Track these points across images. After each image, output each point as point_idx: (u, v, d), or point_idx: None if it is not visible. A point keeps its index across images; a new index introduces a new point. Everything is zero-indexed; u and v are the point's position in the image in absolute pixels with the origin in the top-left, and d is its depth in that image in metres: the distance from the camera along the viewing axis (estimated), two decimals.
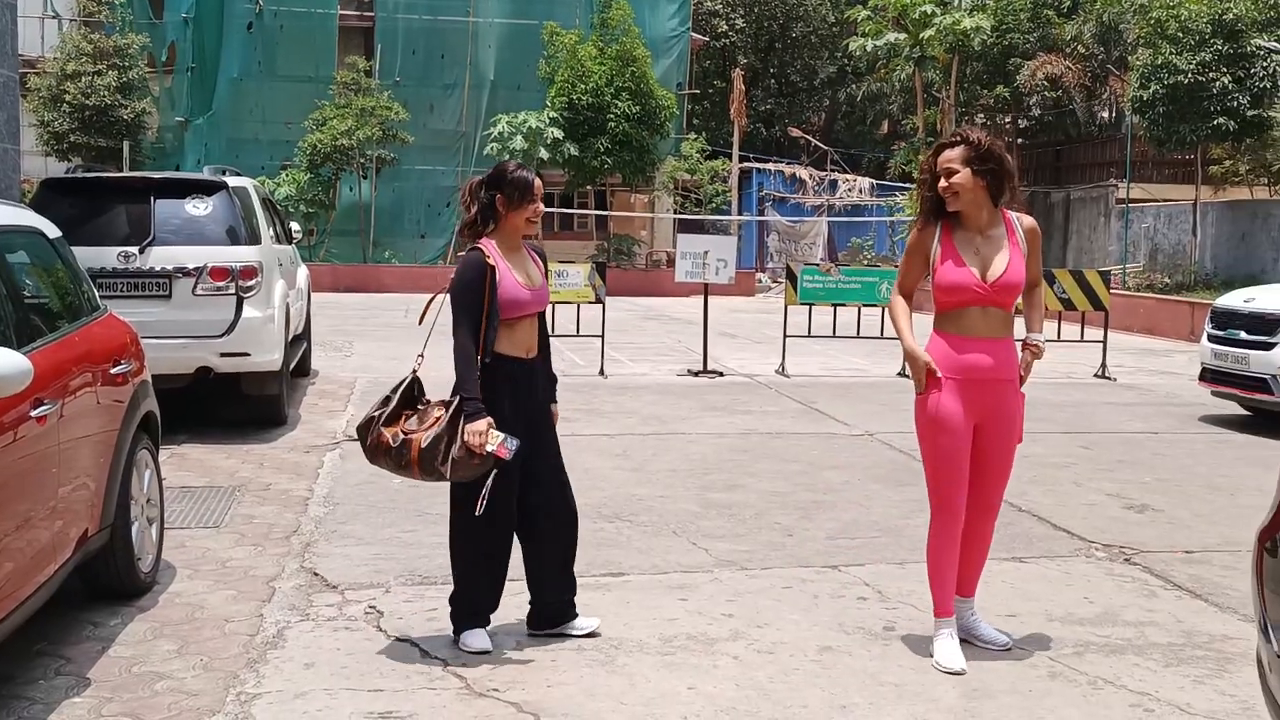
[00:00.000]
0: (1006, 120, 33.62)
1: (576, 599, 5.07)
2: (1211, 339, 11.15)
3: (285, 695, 4.29)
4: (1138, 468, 8.91)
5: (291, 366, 10.67)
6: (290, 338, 10.39)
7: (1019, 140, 33.64)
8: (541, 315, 4.89)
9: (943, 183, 4.72)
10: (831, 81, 46.60)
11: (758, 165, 37.21)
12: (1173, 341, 19.37)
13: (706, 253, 14.05)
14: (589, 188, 33.50)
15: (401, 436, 4.58)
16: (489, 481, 4.59)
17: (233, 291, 9.01)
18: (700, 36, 39.13)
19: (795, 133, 41.49)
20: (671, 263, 22.23)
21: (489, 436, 4.49)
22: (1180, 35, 21.87)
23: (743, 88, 34.16)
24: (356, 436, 4.85)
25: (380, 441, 4.62)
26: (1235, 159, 25.03)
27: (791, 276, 14.53)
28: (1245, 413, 11.16)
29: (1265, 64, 21.52)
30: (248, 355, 9.09)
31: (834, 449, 9.40)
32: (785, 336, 14.37)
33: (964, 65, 30.83)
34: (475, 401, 4.55)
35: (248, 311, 9.06)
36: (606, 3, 31.22)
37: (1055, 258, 29.03)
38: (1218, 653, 4.96)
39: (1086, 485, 8.19)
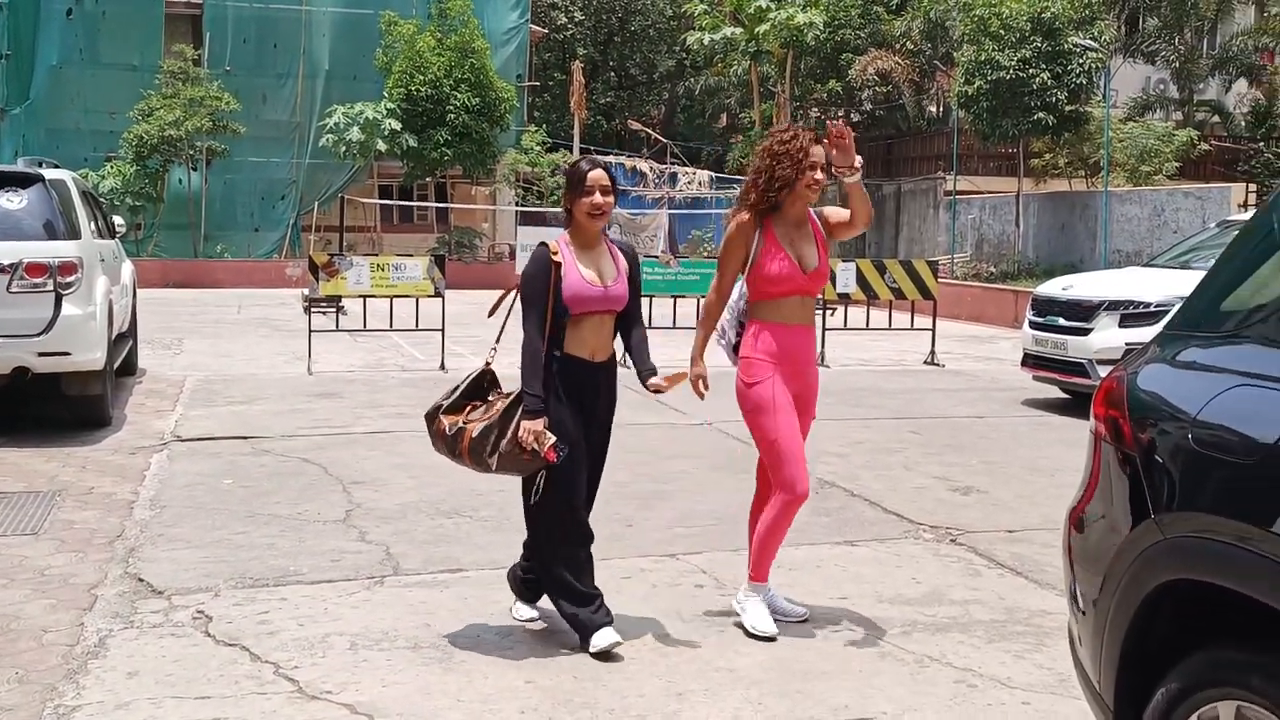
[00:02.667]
0: (839, 114, 34.31)
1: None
2: (1032, 325, 11.60)
3: (106, 706, 4.14)
4: (964, 451, 9.21)
5: (116, 365, 10.29)
6: (114, 336, 10.02)
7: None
8: (627, 315, 4.77)
9: (818, 175, 4.88)
10: (670, 75, 46.97)
11: (597, 157, 37.22)
12: (998, 328, 20.08)
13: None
14: (429, 180, 33.09)
15: (459, 425, 4.60)
16: (539, 480, 4.63)
17: (51, 288, 8.65)
18: (540, 29, 39.00)
19: (635, 126, 41.71)
20: (514, 255, 22.14)
21: (542, 437, 4.46)
22: (1002, 33, 22.66)
23: (582, 80, 34.18)
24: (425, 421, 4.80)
25: (439, 429, 4.66)
26: (1055, 152, 26.07)
27: None
28: (1065, 396, 11.65)
29: (1081, 61, 22.46)
30: (68, 354, 8.74)
31: (674, 438, 9.50)
32: None
33: (798, 60, 31.40)
34: (536, 399, 4.50)
35: (67, 309, 8.71)
36: None
37: (887, 248, 29.82)
38: (1037, 628, 5.16)
39: (916, 469, 8.44)
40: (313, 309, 14.44)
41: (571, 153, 34.30)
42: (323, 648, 4.72)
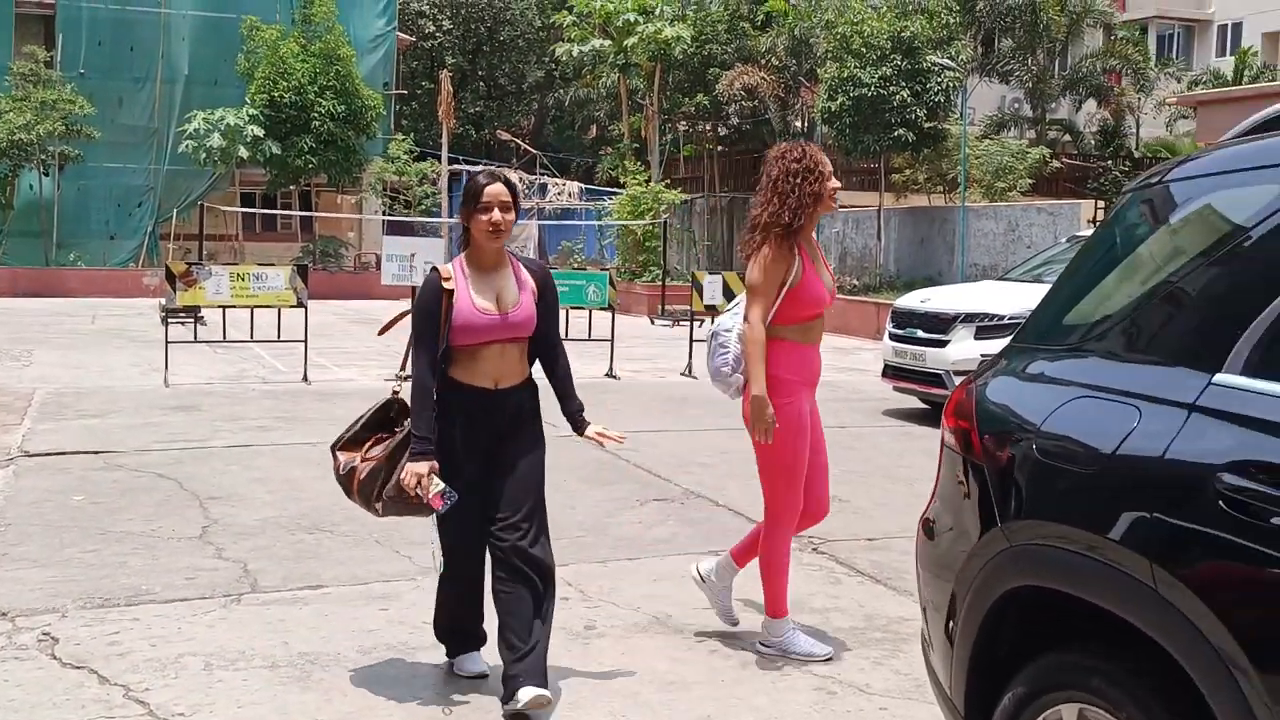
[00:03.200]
0: (707, 128, 34.75)
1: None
2: (892, 337, 11.86)
3: None
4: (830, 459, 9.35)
5: None
6: None
7: (719, 148, 34.85)
8: (542, 341, 4.39)
9: (836, 183, 4.90)
10: (540, 85, 46.97)
11: (467, 167, 37.02)
12: (861, 339, 20.49)
13: (413, 255, 13.91)
14: (293, 188, 32.53)
15: (352, 464, 4.30)
16: (435, 535, 4.29)
17: None
18: (407, 37, 38.65)
19: (504, 136, 41.60)
20: (380, 265, 21.86)
21: (427, 482, 4.09)
22: (864, 50, 23.17)
23: (450, 89, 33.93)
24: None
25: (335, 465, 4.37)
26: (915, 168, 26.73)
27: None
28: (924, 406, 11.93)
29: (939, 79, 23.07)
30: None
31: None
32: None
33: (666, 73, 31.68)
34: (422, 441, 4.14)
35: None
36: None
37: None
38: (895, 634, 5.27)
39: None
40: (170, 319, 14.05)
41: (440, 162, 34.04)
42: (176, 668, 4.59)
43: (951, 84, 23.56)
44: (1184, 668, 2.30)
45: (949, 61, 23.22)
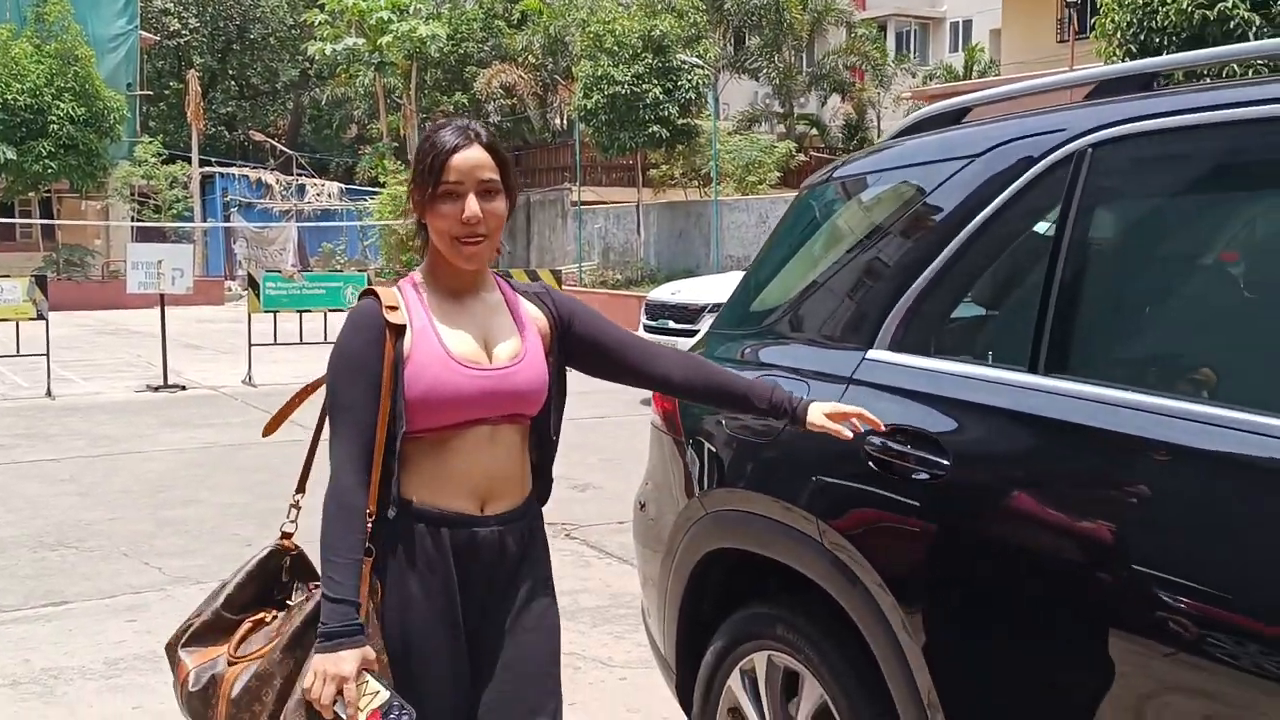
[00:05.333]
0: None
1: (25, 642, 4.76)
2: (647, 329, 12.27)
3: None
4: (585, 450, 9.64)
5: None
6: None
7: None
8: (539, 425, 2.53)
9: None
10: (294, 85, 45.95)
11: (221, 170, 35.96)
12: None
13: (161, 261, 13.55)
14: (32, 195, 30.90)
15: (207, 673, 2.38)
16: None
17: None
18: (151, 35, 37.19)
19: (258, 136, 40.56)
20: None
21: (354, 691, 2.16)
22: (616, 49, 23.63)
23: (199, 89, 32.91)
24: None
25: (179, 675, 2.43)
26: (670, 164, 27.41)
27: (254, 284, 14.30)
28: None
29: (689, 77, 23.74)
30: None
31: (298, 456, 9.39)
32: (250, 345, 14.09)
33: (423, 72, 31.55)
34: (344, 608, 2.20)
35: None
36: None
37: (520, 258, 30.41)
38: (637, 610, 5.56)
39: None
40: None
41: (190, 164, 32.93)
42: None
43: (702, 81, 24.27)
44: (846, 610, 2.62)
45: (697, 60, 23.93)
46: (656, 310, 12.23)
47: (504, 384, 2.36)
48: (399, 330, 2.31)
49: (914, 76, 35.55)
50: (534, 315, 2.51)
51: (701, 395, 2.69)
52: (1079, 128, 2.36)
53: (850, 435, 2.48)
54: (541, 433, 2.54)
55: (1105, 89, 2.49)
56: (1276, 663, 1.76)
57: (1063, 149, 2.36)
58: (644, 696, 4.51)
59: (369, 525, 2.27)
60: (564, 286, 15.76)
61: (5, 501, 7.69)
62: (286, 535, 2.52)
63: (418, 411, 2.29)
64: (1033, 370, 2.30)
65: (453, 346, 2.34)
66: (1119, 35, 13.14)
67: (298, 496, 2.54)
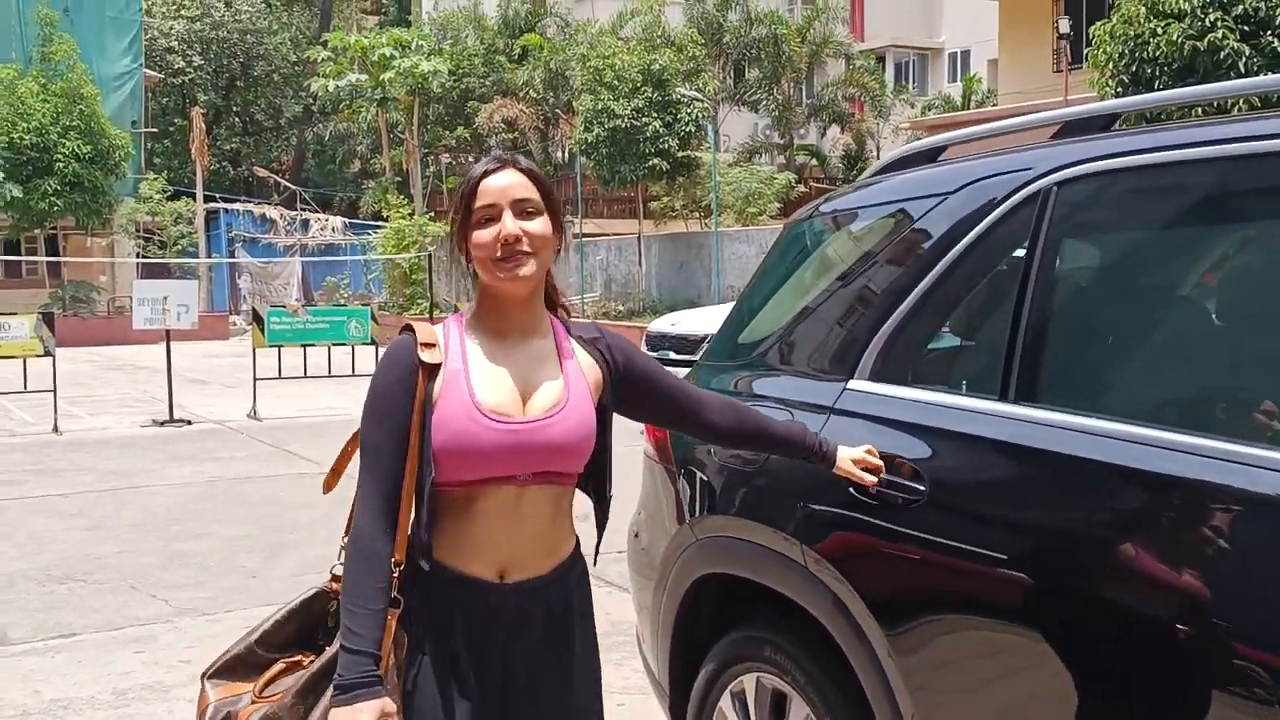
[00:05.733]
0: (470, 159, 34.97)
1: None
2: None
3: None
4: None
5: None
6: None
7: None
8: (593, 480, 2.45)
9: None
10: (298, 120, 46.30)
11: (225, 205, 36.23)
12: None
13: (166, 298, 13.69)
14: (38, 232, 31.15)
15: (224, 710, 2.27)
16: None
17: None
18: (155, 74, 37.56)
19: (262, 172, 40.86)
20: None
21: None
22: (616, 83, 23.87)
23: (203, 126, 33.21)
24: None
25: (200, 705, 2.31)
26: (671, 196, 27.62)
27: (258, 319, 14.45)
28: None
29: (689, 110, 23.98)
30: None
31: (303, 489, 9.52)
32: (255, 380, 14.22)
33: (425, 107, 31.81)
34: (362, 659, 2.08)
35: None
36: (47, 37, 29.27)
37: None
38: (634, 638, 5.65)
39: None
40: None
41: (195, 200, 33.18)
42: None
43: (701, 114, 24.50)
44: (830, 632, 2.71)
45: (696, 93, 24.16)
46: (657, 341, 12.36)
47: (535, 438, 2.17)
48: (432, 370, 2.17)
49: (912, 107, 35.80)
50: (585, 362, 2.33)
51: (743, 441, 2.69)
52: (1043, 167, 2.48)
53: (874, 481, 2.54)
54: (598, 487, 2.44)
55: (1070, 129, 2.61)
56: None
57: (1029, 187, 2.48)
58: (635, 691, 4.59)
59: (394, 574, 2.14)
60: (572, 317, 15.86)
61: (12, 536, 7.79)
62: (336, 578, 2.23)
63: (441, 462, 2.14)
64: (1003, 399, 2.40)
65: (482, 395, 2.17)
66: (1111, 66, 13.31)
67: (346, 539, 2.22)
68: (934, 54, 47.41)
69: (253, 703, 2.23)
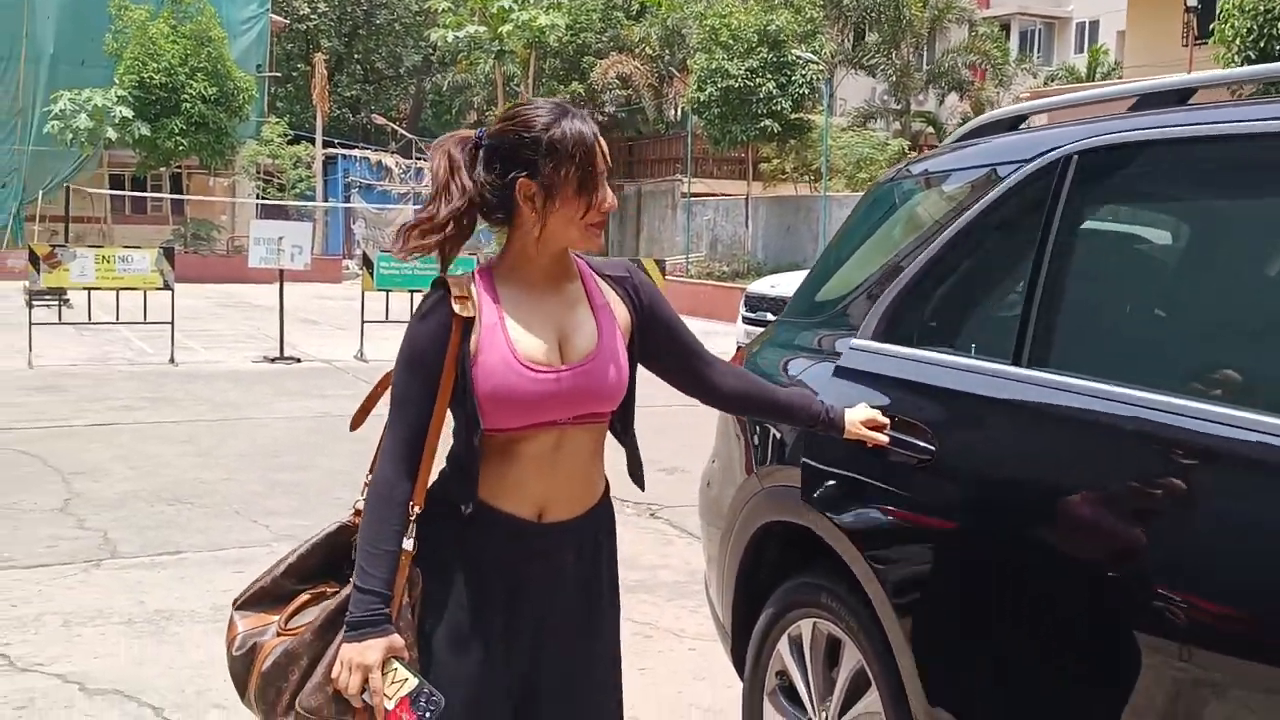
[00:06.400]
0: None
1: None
2: (745, 320, 12.47)
3: None
4: (669, 435, 9.86)
5: None
6: None
7: None
8: (621, 420, 2.43)
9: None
10: (417, 70, 46.89)
11: (343, 151, 36.91)
12: (729, 324, 21.09)
13: (281, 238, 14.10)
14: (163, 170, 32.11)
15: (250, 640, 2.33)
16: None
17: None
18: (281, 19, 38.31)
19: (380, 120, 41.48)
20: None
21: (378, 679, 2.15)
22: (731, 43, 23.78)
23: (325, 72, 33.83)
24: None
25: (229, 635, 2.38)
26: (781, 158, 27.49)
27: (368, 263, 14.79)
28: None
29: (804, 72, 23.80)
30: None
31: None
32: (364, 322, 14.61)
33: (541, 61, 32.00)
34: (372, 599, 2.17)
35: None
36: None
37: (629, 247, 30.76)
38: None
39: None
40: (34, 302, 14.02)
41: (314, 145, 33.87)
42: (36, 626, 4.89)
43: (816, 76, 24.31)
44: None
45: (812, 55, 23.97)
46: (755, 302, 12.41)
47: (575, 383, 2.24)
48: (467, 324, 2.21)
49: (1035, 77, 35.05)
50: (614, 302, 2.37)
51: (749, 407, 2.76)
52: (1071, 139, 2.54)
53: (885, 440, 2.62)
54: (625, 424, 2.43)
55: (1145, 103, 2.64)
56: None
57: (1051, 154, 2.55)
58: (710, 666, 4.72)
59: (410, 518, 2.21)
60: (669, 277, 15.99)
61: (128, 459, 8.18)
62: (358, 512, 2.32)
63: (487, 412, 2.20)
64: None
65: (521, 347, 2.22)
66: (1239, 42, 12.95)
67: (369, 476, 2.31)
68: (1061, 23, 46.30)
69: (278, 635, 2.30)
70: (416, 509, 2.23)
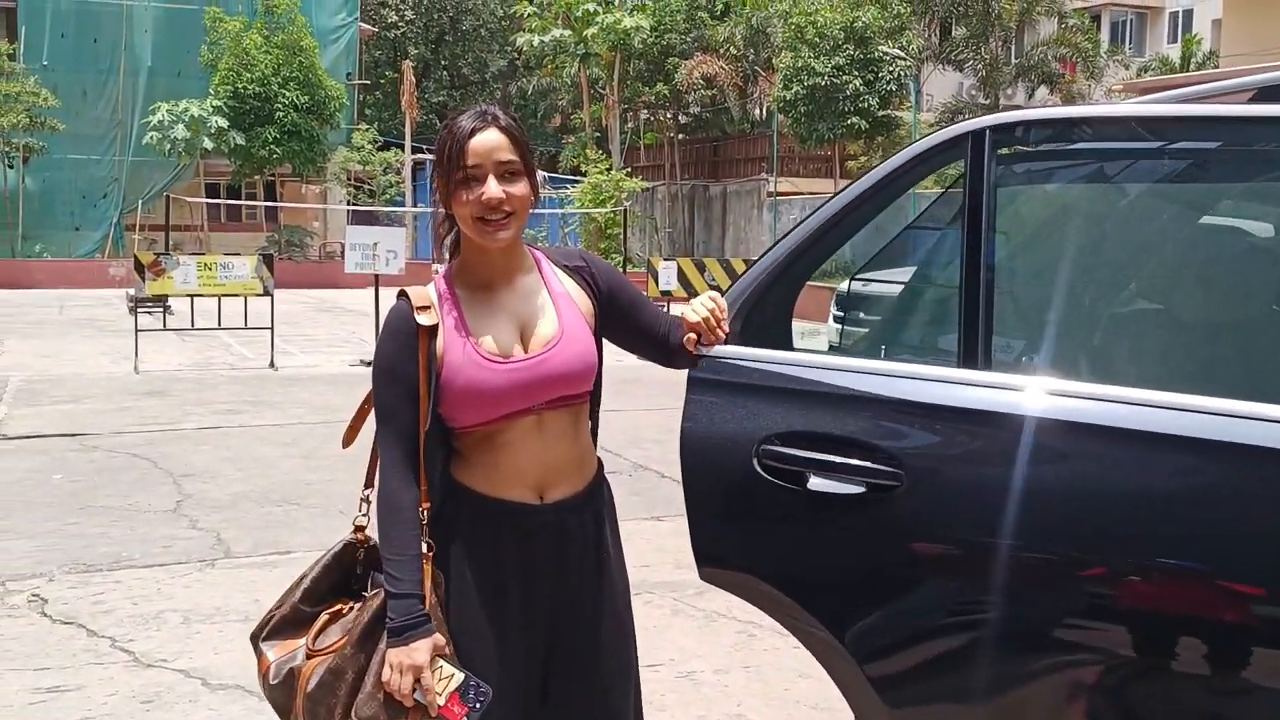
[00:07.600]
0: (667, 116, 35.21)
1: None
2: (836, 319, 12.42)
3: None
4: None
5: None
6: None
7: (679, 136, 35.34)
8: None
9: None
10: (503, 75, 47.31)
11: (431, 156, 37.35)
12: (818, 323, 21.02)
13: (376, 244, 14.30)
14: (258, 178, 32.80)
15: (285, 666, 2.37)
16: None
17: None
18: (369, 27, 38.92)
19: None
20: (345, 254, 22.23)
21: (430, 678, 2.24)
22: (817, 40, 23.69)
23: (413, 79, 34.26)
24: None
25: (261, 668, 2.42)
26: (869, 155, 27.27)
27: None
28: None
29: (891, 69, 23.63)
30: None
31: None
32: None
33: (626, 63, 32.08)
34: (408, 601, 2.25)
35: None
36: None
37: (714, 248, 30.75)
38: None
39: None
40: (139, 308, 14.43)
41: (403, 151, 34.35)
42: (157, 623, 5.06)
43: (903, 72, 24.12)
44: None
45: (899, 52, 23.79)
46: (846, 301, 12.34)
47: (539, 370, 2.34)
48: (431, 330, 2.32)
49: (1127, 69, 34.39)
50: (574, 291, 2.46)
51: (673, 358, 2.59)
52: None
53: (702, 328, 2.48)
54: (593, 405, 2.49)
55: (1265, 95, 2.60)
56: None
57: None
58: (817, 664, 4.73)
59: (424, 521, 2.30)
60: None
61: (236, 461, 8.39)
62: (359, 528, 2.47)
63: (459, 410, 2.32)
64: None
65: (484, 343, 2.33)
66: None
67: (367, 491, 2.45)
68: (1153, 13, 45.42)
69: (309, 656, 2.35)
70: (426, 511, 2.32)
